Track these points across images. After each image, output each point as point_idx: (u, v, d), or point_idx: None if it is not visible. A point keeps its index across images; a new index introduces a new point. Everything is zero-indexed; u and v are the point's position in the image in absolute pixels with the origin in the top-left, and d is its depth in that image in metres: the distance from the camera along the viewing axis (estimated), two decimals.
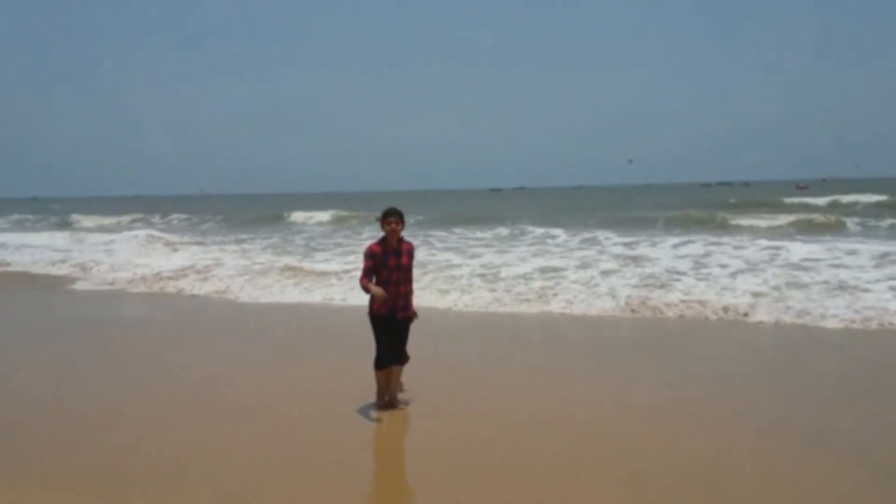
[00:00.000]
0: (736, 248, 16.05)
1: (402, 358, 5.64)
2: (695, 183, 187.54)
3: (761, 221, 26.55)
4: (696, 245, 17.04)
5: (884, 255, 13.70)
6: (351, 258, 16.13)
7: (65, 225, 41.53)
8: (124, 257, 18.62)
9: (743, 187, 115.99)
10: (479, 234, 24.31)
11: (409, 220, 5.92)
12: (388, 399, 5.75)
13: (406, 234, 5.79)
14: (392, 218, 5.39)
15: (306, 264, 15.77)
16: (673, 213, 30.66)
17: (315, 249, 20.37)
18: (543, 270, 13.84)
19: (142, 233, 26.27)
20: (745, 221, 26.76)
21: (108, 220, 44.76)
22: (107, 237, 26.28)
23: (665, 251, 16.52)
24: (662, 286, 11.58)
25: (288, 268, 15.02)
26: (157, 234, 26.01)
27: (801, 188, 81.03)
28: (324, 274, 14.25)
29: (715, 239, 18.17)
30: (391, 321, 5.48)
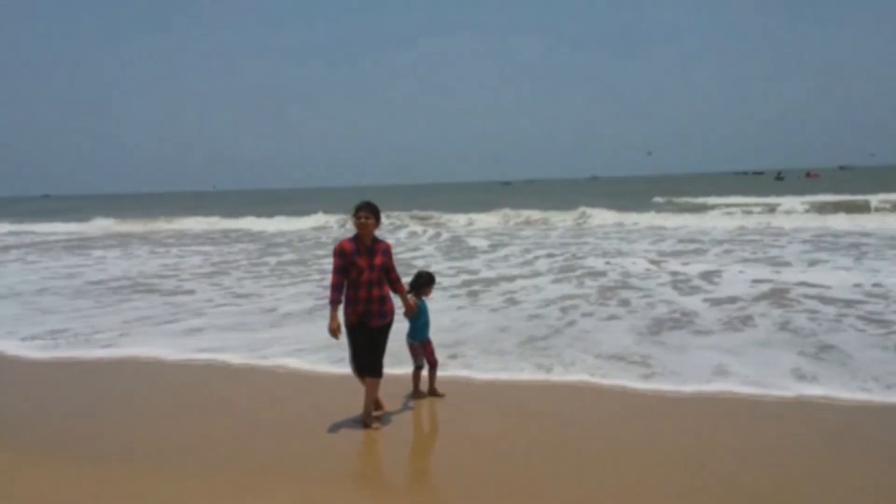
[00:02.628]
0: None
1: (375, 369, 5.02)
2: (713, 173, 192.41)
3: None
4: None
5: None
6: None
7: None
8: None
9: (754, 176, 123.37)
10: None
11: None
12: (362, 417, 5.15)
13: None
14: (362, 212, 4.89)
15: None
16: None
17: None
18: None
19: None
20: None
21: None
22: None
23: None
24: None
25: None
26: None
27: (813, 176, 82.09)
28: None
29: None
30: (364, 329, 4.93)
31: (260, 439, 4.94)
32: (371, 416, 5.14)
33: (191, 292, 12.35)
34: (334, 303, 4.85)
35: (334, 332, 4.84)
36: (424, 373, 5.79)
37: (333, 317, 4.85)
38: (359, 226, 4.88)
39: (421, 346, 5.61)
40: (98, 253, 21.46)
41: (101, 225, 36.93)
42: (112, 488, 4.17)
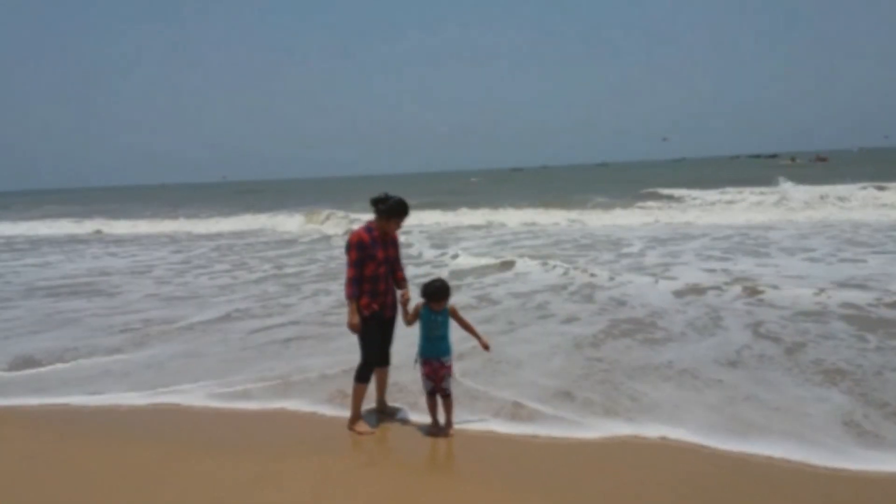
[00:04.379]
0: None
1: (388, 358, 5.01)
2: (726, 156, 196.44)
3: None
4: None
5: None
6: None
7: None
8: None
9: (768, 158, 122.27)
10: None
11: None
12: (380, 408, 5.11)
13: None
14: (405, 217, 4.83)
15: None
16: None
17: None
18: None
19: None
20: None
21: None
22: None
23: None
24: None
25: None
26: None
27: (822, 160, 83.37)
28: None
29: None
30: (381, 321, 4.80)
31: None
32: (386, 404, 5.11)
33: (113, 295, 10.57)
34: (354, 298, 4.65)
35: (355, 327, 4.66)
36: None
37: (355, 312, 4.65)
38: (394, 228, 4.79)
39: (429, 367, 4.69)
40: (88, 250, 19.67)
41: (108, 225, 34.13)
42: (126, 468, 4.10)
